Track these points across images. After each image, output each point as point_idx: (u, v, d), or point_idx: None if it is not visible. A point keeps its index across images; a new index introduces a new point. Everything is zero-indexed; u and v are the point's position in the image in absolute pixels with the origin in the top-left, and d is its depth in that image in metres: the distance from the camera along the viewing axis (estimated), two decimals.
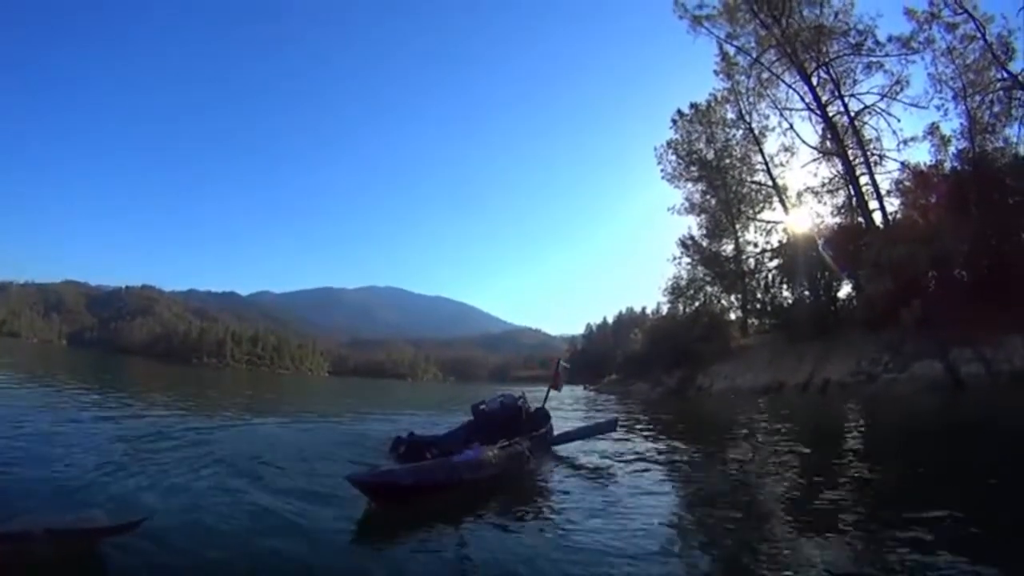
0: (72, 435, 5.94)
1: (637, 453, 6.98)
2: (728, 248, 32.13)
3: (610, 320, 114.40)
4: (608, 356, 71.53)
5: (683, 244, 32.78)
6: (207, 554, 2.75)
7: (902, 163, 24.54)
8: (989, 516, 3.38)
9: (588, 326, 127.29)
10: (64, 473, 4.15)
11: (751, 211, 31.28)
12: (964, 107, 23.38)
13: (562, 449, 6.82)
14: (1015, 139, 22.24)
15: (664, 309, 35.55)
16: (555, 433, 6.87)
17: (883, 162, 25.53)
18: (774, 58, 27.75)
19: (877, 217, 25.04)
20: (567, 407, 14.70)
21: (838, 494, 4.18)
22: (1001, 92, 22.72)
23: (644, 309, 73.75)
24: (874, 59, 25.19)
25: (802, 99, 27.76)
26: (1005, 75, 22.57)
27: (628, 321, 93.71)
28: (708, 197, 32.31)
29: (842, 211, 27.17)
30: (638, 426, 11.00)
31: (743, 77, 29.65)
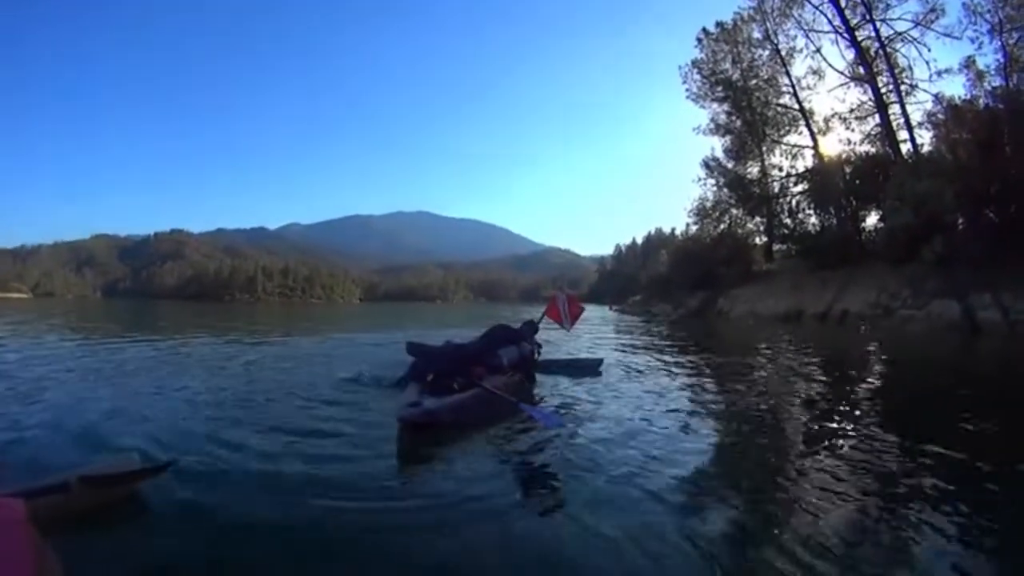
0: (100, 381, 5.99)
1: (646, 376, 6.89)
2: (753, 171, 31.44)
3: (639, 241, 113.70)
4: (636, 277, 71.96)
5: (707, 165, 32.26)
6: (240, 491, 2.78)
7: (935, 95, 23.18)
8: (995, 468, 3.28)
9: (617, 246, 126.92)
10: (95, 420, 4.16)
11: (776, 134, 30.20)
12: (1000, 43, 21.77)
13: (563, 376, 6.48)
14: None
15: (691, 230, 35.43)
16: (543, 359, 6.87)
17: (915, 92, 24.26)
18: None
19: (906, 148, 24.14)
20: (585, 329, 14.44)
21: (851, 439, 3.97)
22: None
23: (673, 230, 73.05)
24: None
25: (830, 22, 26.21)
26: None
27: (657, 242, 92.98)
28: (733, 118, 31.15)
29: (871, 139, 26.16)
30: (654, 347, 11.02)
31: None
